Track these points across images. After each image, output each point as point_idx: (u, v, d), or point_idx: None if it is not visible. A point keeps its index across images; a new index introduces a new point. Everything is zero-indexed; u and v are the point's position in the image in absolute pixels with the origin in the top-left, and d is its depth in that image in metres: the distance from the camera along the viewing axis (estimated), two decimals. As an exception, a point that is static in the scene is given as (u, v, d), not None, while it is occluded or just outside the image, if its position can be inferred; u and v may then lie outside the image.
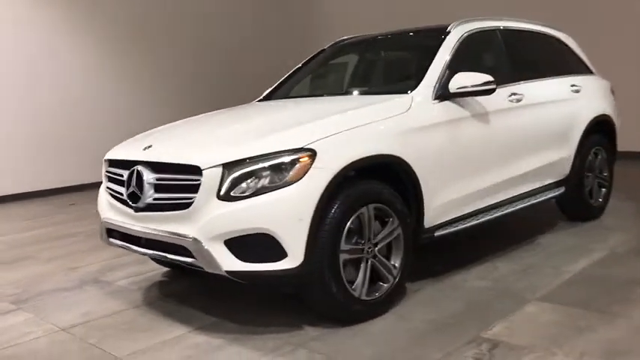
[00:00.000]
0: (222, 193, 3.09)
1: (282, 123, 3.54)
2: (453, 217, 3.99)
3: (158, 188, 3.36)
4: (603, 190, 5.61)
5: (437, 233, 3.86)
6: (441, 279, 4.05)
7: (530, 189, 4.71)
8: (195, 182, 3.15)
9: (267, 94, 5.08)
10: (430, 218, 3.78)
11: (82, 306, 3.97)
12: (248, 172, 3.09)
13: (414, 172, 3.59)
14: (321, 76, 5.06)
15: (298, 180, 3.08)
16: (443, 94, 3.91)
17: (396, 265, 3.55)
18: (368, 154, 3.34)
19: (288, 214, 3.04)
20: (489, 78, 3.95)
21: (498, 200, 4.34)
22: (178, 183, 3.26)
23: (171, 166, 3.31)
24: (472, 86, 3.90)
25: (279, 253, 3.04)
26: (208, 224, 3.09)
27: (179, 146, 3.55)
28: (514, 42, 4.83)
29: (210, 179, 3.10)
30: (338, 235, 3.19)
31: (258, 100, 5.02)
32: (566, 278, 3.95)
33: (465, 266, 4.28)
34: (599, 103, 5.44)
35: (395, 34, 4.92)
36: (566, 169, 5.09)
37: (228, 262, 3.08)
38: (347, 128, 3.36)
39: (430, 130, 3.76)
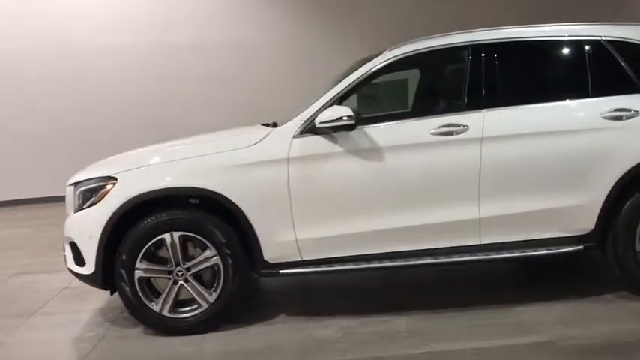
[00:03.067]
0: (75, 205, 3.97)
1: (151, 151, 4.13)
2: (319, 257, 3.77)
3: None
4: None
5: (282, 270, 3.78)
6: (311, 319, 3.90)
7: (492, 241, 3.81)
8: None
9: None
10: (274, 255, 3.75)
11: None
12: (83, 191, 3.88)
13: (238, 207, 3.67)
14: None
15: (97, 203, 3.73)
16: (311, 128, 3.74)
17: (215, 293, 3.74)
18: (166, 187, 3.68)
19: (83, 230, 3.76)
20: (347, 113, 3.61)
21: (401, 249, 3.77)
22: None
23: None
24: (329, 121, 3.64)
25: (82, 261, 3.78)
26: (64, 229, 4.04)
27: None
28: (495, 60, 3.87)
29: (69, 194, 4.02)
30: (133, 254, 3.69)
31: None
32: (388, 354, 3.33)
33: (367, 312, 3.92)
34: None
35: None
36: (587, 222, 3.81)
37: (69, 262, 3.96)
38: (162, 161, 3.80)
39: (273, 166, 3.70)
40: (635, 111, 3.78)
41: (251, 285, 4.26)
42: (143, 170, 3.77)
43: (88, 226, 3.73)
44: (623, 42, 3.95)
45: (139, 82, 10.03)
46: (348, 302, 4.25)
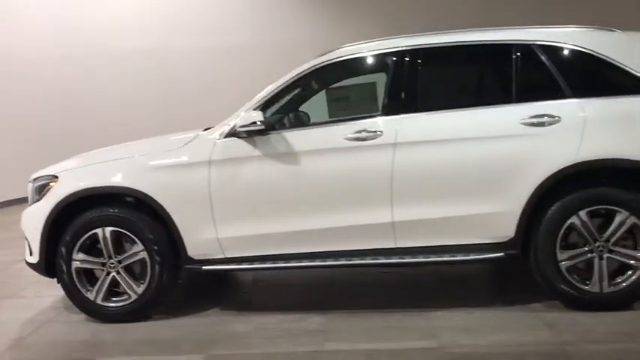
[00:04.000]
0: (32, 200, 4.35)
1: (97, 152, 4.45)
2: (240, 255, 3.96)
3: None
4: (629, 272, 3.73)
5: (205, 267, 3.99)
6: (238, 314, 4.10)
7: (408, 245, 3.84)
8: None
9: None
10: (197, 252, 3.96)
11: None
12: (38, 187, 4.24)
13: (162, 206, 3.92)
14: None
15: (42, 199, 4.09)
16: (234, 132, 3.93)
17: (143, 285, 4.00)
18: (95, 185, 3.99)
19: (30, 223, 4.14)
20: (259, 118, 3.77)
21: (318, 250, 3.88)
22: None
23: None
24: (245, 125, 3.82)
25: (31, 251, 4.16)
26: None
27: None
28: (417, 67, 3.89)
29: (29, 189, 4.40)
30: (70, 246, 4.02)
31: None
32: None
33: (295, 309, 4.08)
34: (597, 142, 3.64)
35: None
36: (507, 229, 3.76)
37: (26, 253, 4.34)
38: (98, 162, 4.12)
39: (196, 168, 3.91)
40: (557, 117, 3.69)
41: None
42: (80, 170, 4.11)
43: (33, 220, 4.10)
44: (554, 46, 3.86)
45: (174, 83, 10.46)
46: (290, 299, 4.46)
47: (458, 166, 3.75)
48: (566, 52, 3.85)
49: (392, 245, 3.86)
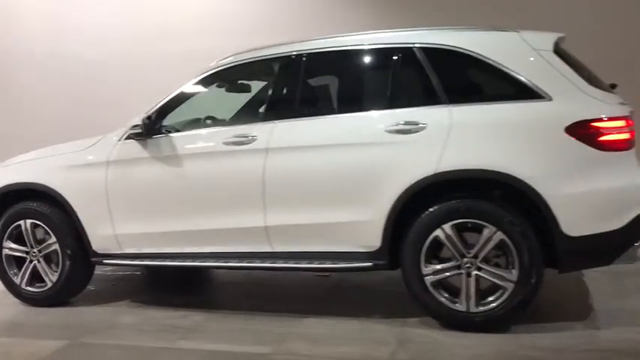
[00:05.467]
0: None
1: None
2: (136, 251, 4.20)
3: None
4: (499, 291, 3.47)
5: (106, 260, 4.29)
6: (141, 307, 4.35)
7: (283, 250, 3.87)
8: None
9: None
10: (99, 246, 4.27)
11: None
12: None
13: (68, 202, 4.27)
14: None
15: (-20, 195, 4.61)
16: (129, 134, 4.17)
17: (56, 274, 4.38)
18: (16, 182, 4.42)
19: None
20: (138, 122, 3.99)
21: (202, 251, 4.03)
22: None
23: None
24: (131, 128, 4.06)
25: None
26: None
27: None
28: (298, 72, 3.89)
29: None
30: (1, 235, 4.49)
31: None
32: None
33: (192, 307, 4.25)
34: (459, 152, 3.42)
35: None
36: (373, 239, 3.65)
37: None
38: (26, 159, 4.56)
39: (96, 168, 4.21)
40: (422, 124, 3.52)
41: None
42: (9, 167, 4.58)
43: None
44: (436, 49, 3.67)
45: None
46: (203, 295, 4.69)
47: (322, 173, 3.71)
48: (447, 55, 3.64)
49: (269, 249, 3.90)
